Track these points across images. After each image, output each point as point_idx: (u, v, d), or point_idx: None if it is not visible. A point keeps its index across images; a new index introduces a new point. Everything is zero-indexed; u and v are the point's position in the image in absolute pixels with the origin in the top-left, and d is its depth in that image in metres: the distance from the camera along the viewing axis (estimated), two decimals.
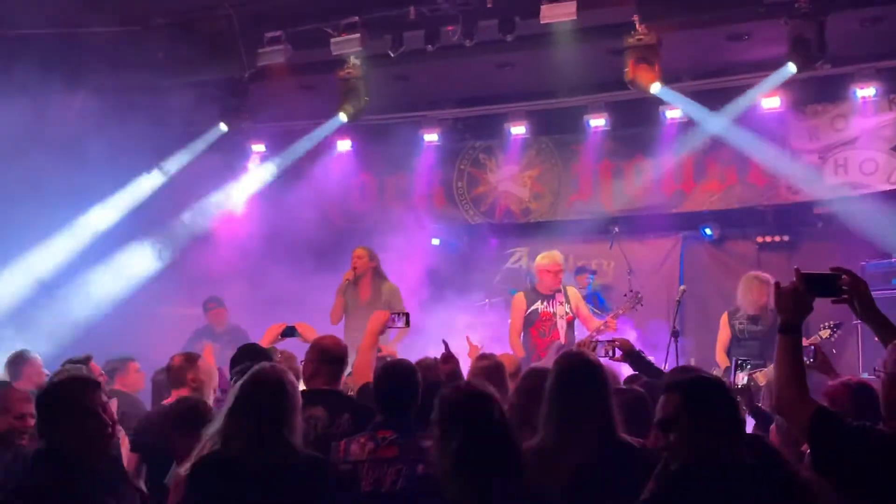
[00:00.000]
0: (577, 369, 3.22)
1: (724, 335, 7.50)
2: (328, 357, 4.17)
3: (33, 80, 7.79)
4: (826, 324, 7.11)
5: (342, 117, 8.53)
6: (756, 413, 4.85)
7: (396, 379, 3.66)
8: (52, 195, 8.33)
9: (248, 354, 4.47)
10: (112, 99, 8.57)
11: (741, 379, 4.69)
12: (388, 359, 4.71)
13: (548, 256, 7.88)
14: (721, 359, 7.43)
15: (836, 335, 7.12)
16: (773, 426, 4.22)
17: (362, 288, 7.96)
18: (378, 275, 8.02)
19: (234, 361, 4.45)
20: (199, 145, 9.38)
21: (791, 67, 7.27)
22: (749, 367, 4.85)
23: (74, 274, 8.99)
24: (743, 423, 2.96)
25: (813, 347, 4.53)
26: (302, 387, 4.88)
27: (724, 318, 7.51)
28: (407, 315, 5.16)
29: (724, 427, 2.81)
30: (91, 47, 7.74)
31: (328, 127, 9.23)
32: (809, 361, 4.51)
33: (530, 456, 3.17)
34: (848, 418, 2.81)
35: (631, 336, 8.11)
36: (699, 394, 2.88)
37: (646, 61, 7.30)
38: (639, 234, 9.96)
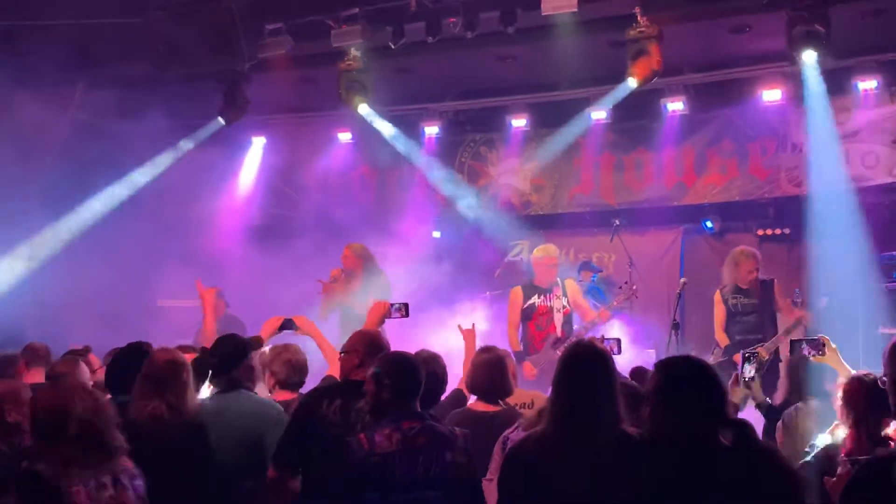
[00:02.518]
0: (585, 358, 3.22)
1: (720, 312, 7.56)
2: (376, 349, 4.13)
3: (31, 72, 7.79)
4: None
5: (361, 108, 8.48)
6: (763, 407, 4.85)
7: (410, 370, 3.68)
8: (49, 187, 8.34)
9: (222, 345, 4.48)
10: (112, 91, 8.59)
11: (749, 372, 4.69)
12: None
13: (542, 250, 7.92)
14: (720, 337, 7.50)
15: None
16: (779, 423, 4.22)
17: (352, 285, 7.97)
18: (368, 271, 8.01)
19: (210, 352, 4.47)
20: (199, 137, 9.35)
21: (806, 58, 7.20)
22: (755, 359, 4.85)
23: (70, 262, 8.95)
24: (721, 404, 3.03)
25: (822, 340, 4.53)
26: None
27: (717, 295, 7.58)
28: (406, 306, 5.20)
29: (695, 404, 2.94)
30: (90, 39, 7.72)
31: (329, 119, 9.23)
32: (819, 354, 4.52)
33: (532, 443, 3.18)
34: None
35: (617, 330, 8.17)
36: (673, 371, 3.07)
37: (647, 53, 7.28)
38: (640, 227, 9.94)
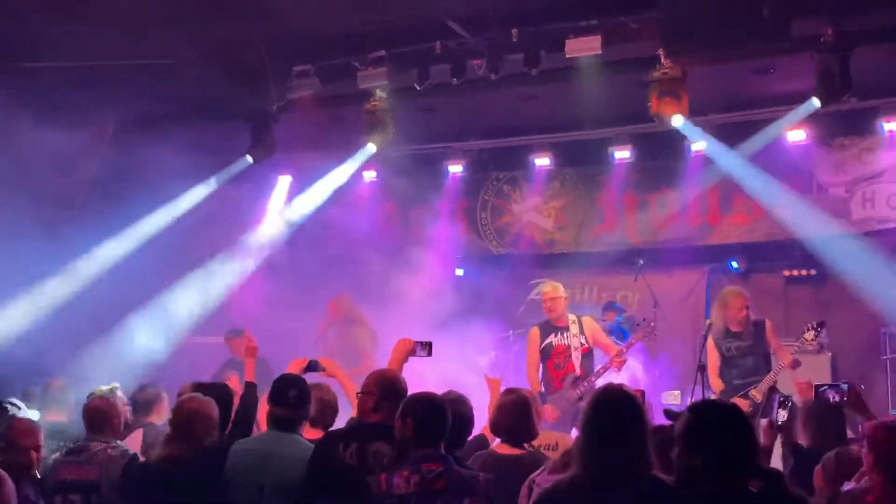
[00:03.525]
0: (613, 402, 3.20)
1: (713, 359, 7.32)
2: (392, 391, 4.13)
3: (66, 110, 7.96)
4: (809, 325, 7.06)
5: (371, 147, 8.60)
6: (795, 450, 4.79)
7: (436, 411, 3.66)
8: (78, 222, 8.44)
9: (298, 381, 4.54)
10: (143, 130, 8.74)
11: (782, 416, 4.65)
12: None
13: (542, 286, 8.12)
14: (715, 383, 7.25)
15: (820, 334, 7.06)
16: (818, 467, 4.17)
17: (333, 337, 8.12)
18: (351, 323, 8.16)
19: (287, 386, 4.50)
20: (226, 176, 9.47)
21: (815, 102, 7.22)
22: (782, 399, 4.82)
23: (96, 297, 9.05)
24: (753, 452, 3.00)
25: (847, 386, 4.48)
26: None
27: (710, 343, 7.32)
28: (430, 344, 5.15)
29: (726, 450, 2.91)
30: (123, 79, 7.88)
31: (354, 158, 9.32)
32: (843, 400, 4.47)
33: (563, 490, 3.16)
34: None
35: (641, 371, 8.12)
36: (705, 415, 3.06)
37: (670, 95, 7.31)
38: (664, 267, 9.91)
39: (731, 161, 8.54)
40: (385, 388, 4.15)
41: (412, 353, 5.08)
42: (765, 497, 2.88)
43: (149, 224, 9.51)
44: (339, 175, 9.72)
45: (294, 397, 4.38)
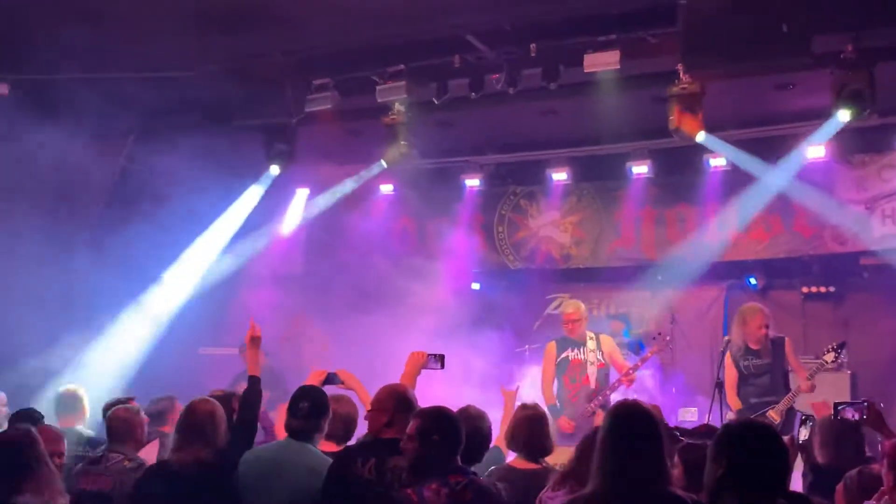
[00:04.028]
0: (631, 418, 3.19)
1: (731, 375, 7.22)
2: (406, 406, 4.14)
3: (85, 122, 8.02)
4: (829, 346, 6.99)
5: (384, 163, 8.63)
6: (815, 469, 4.75)
7: (455, 426, 3.70)
8: (97, 235, 8.49)
9: (313, 392, 4.56)
10: (161, 141, 8.79)
11: (804, 435, 4.60)
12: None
13: (565, 306, 8.08)
14: (733, 401, 7.17)
15: (841, 356, 6.97)
16: (840, 485, 4.13)
17: None
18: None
19: (300, 397, 4.51)
20: (255, 191, 9.48)
21: (841, 116, 7.14)
22: (804, 417, 4.78)
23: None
24: (784, 474, 3.01)
25: (866, 403, 4.43)
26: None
27: (728, 358, 7.24)
28: (442, 357, 5.13)
29: (758, 472, 2.89)
30: (142, 92, 7.94)
31: (371, 171, 9.34)
32: (862, 418, 4.42)
33: None
34: None
35: (658, 388, 8.05)
36: (732, 431, 3.06)
37: (690, 110, 7.28)
38: (682, 283, 9.84)
39: (771, 177, 8.44)
40: (399, 403, 4.16)
41: (425, 365, 5.06)
42: None
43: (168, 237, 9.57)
44: (356, 188, 9.74)
45: (305, 409, 4.41)
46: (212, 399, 4.60)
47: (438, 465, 3.56)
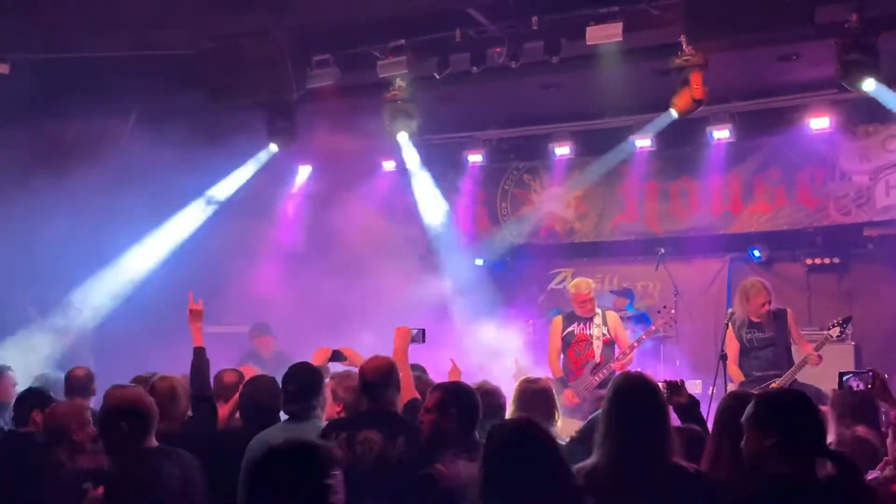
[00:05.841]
0: (634, 390, 3.21)
1: (733, 348, 7.25)
2: (387, 379, 4.21)
3: (83, 103, 8.00)
4: (834, 321, 7.01)
5: (400, 137, 8.59)
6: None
7: (474, 400, 3.77)
8: (97, 217, 8.49)
9: (300, 374, 4.54)
10: (162, 120, 8.77)
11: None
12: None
13: (574, 286, 8.08)
14: (734, 372, 7.18)
15: (846, 332, 6.99)
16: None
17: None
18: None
19: (287, 380, 4.53)
20: (251, 167, 9.49)
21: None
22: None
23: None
24: (821, 436, 3.08)
25: (871, 373, 4.43)
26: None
27: (730, 331, 7.25)
28: (423, 332, 5.24)
29: (795, 434, 2.96)
30: (142, 71, 7.91)
31: (373, 148, 9.32)
32: (867, 388, 4.42)
33: (584, 476, 3.17)
34: None
35: (662, 360, 8.06)
36: (767, 400, 3.12)
37: (691, 82, 7.25)
38: (685, 256, 9.84)
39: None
40: (383, 376, 4.23)
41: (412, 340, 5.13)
42: (833, 485, 2.89)
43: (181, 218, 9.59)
44: (357, 164, 9.73)
45: (291, 391, 4.47)
46: (170, 376, 4.76)
47: (456, 439, 3.60)
